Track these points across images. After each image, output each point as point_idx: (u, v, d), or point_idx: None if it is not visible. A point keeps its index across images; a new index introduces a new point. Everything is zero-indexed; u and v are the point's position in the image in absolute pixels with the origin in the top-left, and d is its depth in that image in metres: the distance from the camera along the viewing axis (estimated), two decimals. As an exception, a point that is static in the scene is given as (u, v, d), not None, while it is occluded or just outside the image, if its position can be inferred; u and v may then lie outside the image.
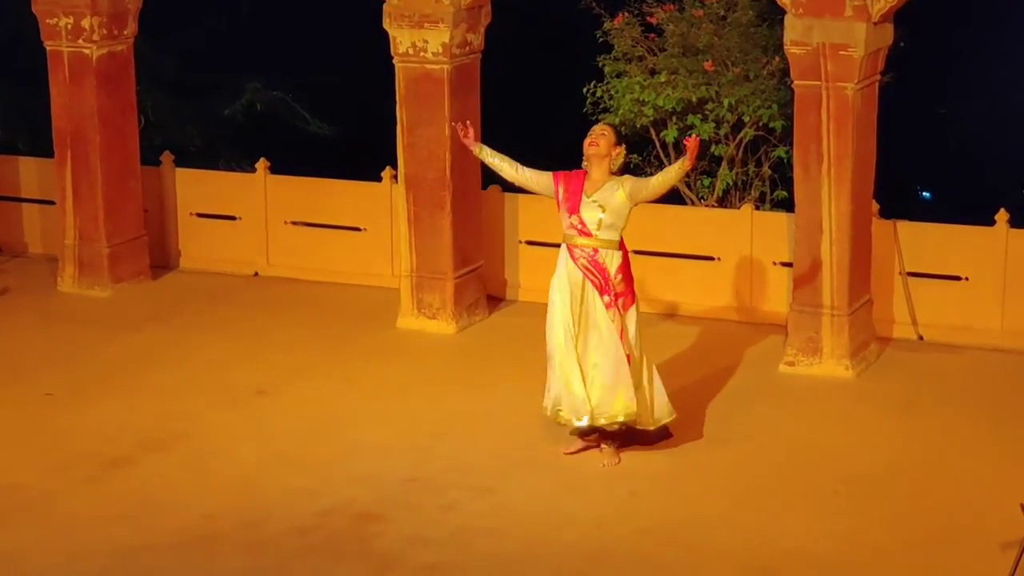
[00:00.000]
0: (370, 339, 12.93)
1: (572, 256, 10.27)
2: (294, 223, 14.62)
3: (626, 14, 14.31)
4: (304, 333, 13.05)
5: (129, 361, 12.44)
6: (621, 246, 10.32)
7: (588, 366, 10.25)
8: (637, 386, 10.27)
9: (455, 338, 13.01)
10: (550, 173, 10.39)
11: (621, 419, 10.28)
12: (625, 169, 10.43)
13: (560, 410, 10.33)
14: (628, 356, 10.25)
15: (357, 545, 9.35)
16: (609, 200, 10.20)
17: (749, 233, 13.12)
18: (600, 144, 10.24)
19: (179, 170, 15.03)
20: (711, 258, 13.29)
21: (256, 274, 14.71)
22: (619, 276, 10.25)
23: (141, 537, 9.44)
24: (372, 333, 13.06)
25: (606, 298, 10.22)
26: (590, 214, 10.21)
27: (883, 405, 11.45)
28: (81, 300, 14.06)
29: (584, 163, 10.32)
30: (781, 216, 13.17)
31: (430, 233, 13.04)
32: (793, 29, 11.70)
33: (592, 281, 10.24)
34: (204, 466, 10.46)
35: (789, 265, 12.61)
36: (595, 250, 10.24)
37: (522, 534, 9.47)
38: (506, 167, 10.51)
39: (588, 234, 10.23)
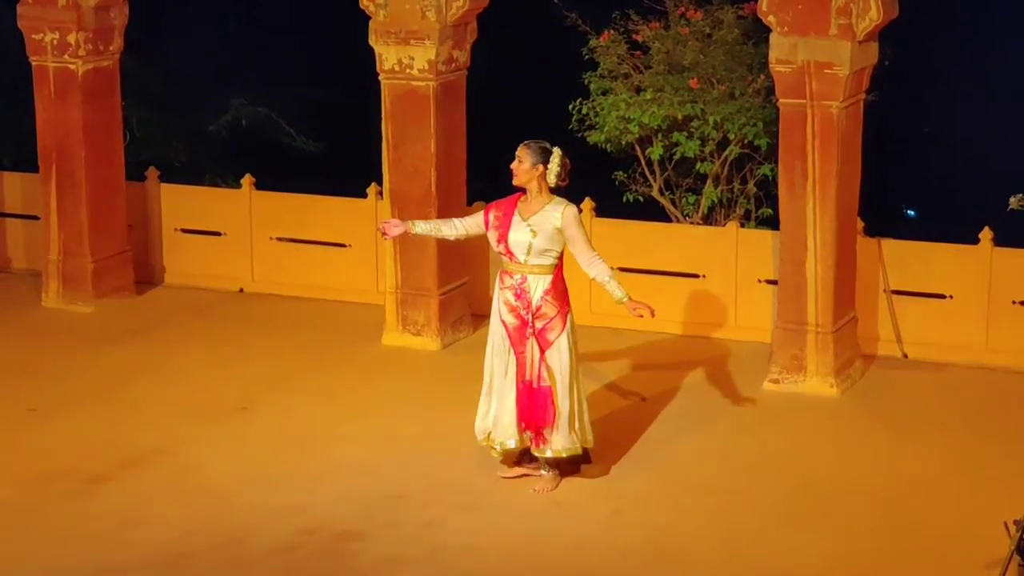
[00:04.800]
0: (354, 355, 12.91)
1: (501, 283, 10.12)
2: (279, 239, 14.60)
3: (612, 32, 14.31)
4: (288, 349, 13.03)
5: (112, 376, 12.41)
6: (556, 270, 10.04)
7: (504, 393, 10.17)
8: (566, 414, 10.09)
9: (440, 355, 12.99)
10: (480, 211, 10.23)
11: (512, 445, 10.19)
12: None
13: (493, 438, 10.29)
14: (549, 388, 10.03)
15: (338, 563, 9.32)
16: (543, 225, 9.95)
17: (734, 250, 13.12)
18: (518, 174, 10.00)
19: (164, 185, 15.00)
20: (696, 275, 13.29)
21: (241, 290, 14.69)
22: (540, 307, 9.99)
23: (122, 553, 9.40)
24: (356, 349, 13.04)
25: (528, 330, 10.00)
26: (520, 237, 9.95)
27: (867, 423, 11.46)
28: (65, 315, 14.03)
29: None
30: (766, 234, 13.18)
31: (415, 250, 13.03)
32: (778, 47, 11.72)
33: (512, 315, 10.02)
34: (185, 482, 10.43)
35: (774, 283, 12.61)
36: (523, 277, 10.01)
37: (503, 552, 9.44)
38: (445, 229, 10.39)
39: (517, 260, 10.01)
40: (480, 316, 13.58)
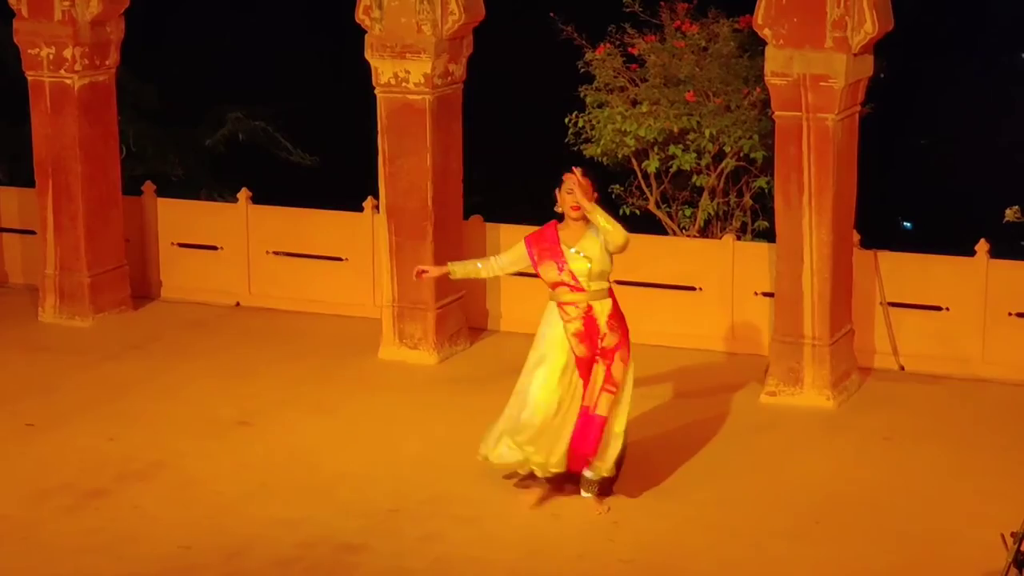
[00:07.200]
0: (352, 369, 12.91)
1: (564, 315, 9.99)
2: (276, 253, 14.61)
3: (608, 45, 14.32)
4: (286, 363, 13.03)
5: (110, 391, 12.41)
6: (610, 293, 10.08)
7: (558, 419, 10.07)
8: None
9: (437, 368, 12.99)
10: (521, 242, 10.16)
11: (554, 469, 10.15)
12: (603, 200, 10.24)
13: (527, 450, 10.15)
14: (604, 417, 9.99)
15: (338, 576, 9.34)
16: (592, 249, 9.91)
17: (731, 263, 13.14)
18: (583, 204, 9.82)
19: (160, 200, 15.00)
20: (693, 288, 13.30)
21: (237, 304, 14.69)
22: (605, 331, 9.94)
23: (121, 568, 9.40)
24: (354, 363, 13.04)
25: (597, 356, 9.95)
26: (578, 266, 9.90)
27: (864, 435, 11.46)
28: (62, 330, 14.03)
29: (559, 209, 10.03)
30: (763, 246, 13.19)
31: (412, 263, 12.96)
32: (774, 60, 11.74)
33: (583, 346, 9.92)
34: (184, 496, 10.43)
35: (770, 295, 12.62)
36: (589, 307, 9.95)
37: (504, 564, 9.45)
38: (482, 270, 10.43)
39: (580, 288, 9.92)
40: (477, 329, 13.62)
